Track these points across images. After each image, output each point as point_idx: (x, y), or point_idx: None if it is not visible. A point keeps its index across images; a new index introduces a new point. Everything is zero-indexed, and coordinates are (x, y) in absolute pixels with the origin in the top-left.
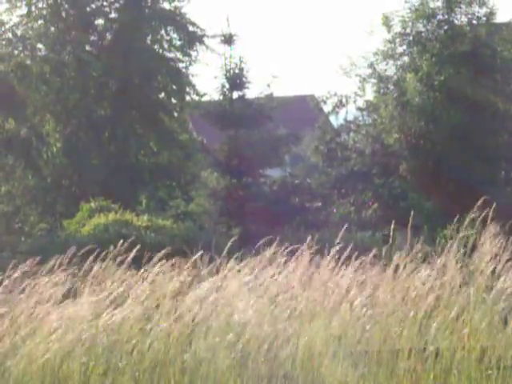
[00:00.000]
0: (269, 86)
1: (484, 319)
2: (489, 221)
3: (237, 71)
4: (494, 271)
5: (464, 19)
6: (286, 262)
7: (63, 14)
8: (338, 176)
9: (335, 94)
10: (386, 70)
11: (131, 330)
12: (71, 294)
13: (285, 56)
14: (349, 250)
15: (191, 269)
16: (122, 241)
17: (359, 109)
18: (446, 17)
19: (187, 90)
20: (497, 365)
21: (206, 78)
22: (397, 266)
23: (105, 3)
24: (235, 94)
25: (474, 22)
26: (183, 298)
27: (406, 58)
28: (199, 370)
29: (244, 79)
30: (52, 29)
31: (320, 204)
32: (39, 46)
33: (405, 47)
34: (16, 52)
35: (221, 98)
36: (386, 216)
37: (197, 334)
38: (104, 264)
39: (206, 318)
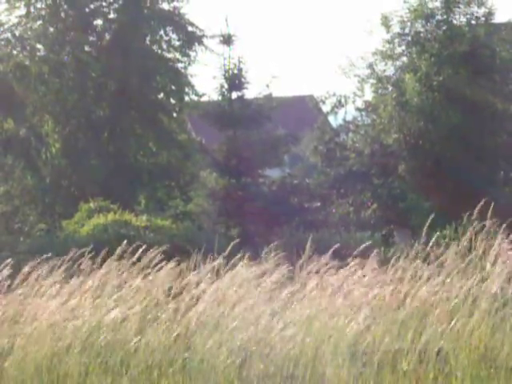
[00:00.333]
0: (268, 86)
1: (486, 318)
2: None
3: (236, 71)
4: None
5: (463, 19)
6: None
7: (62, 15)
8: (337, 176)
9: (334, 95)
10: (384, 70)
11: (130, 329)
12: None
13: (284, 56)
14: (348, 250)
15: (192, 268)
16: (124, 241)
17: (358, 109)
18: (445, 17)
19: (186, 90)
20: (499, 365)
21: (204, 79)
22: (396, 266)
23: (104, 4)
24: (234, 95)
25: (473, 22)
26: (183, 297)
27: (404, 59)
28: (199, 370)
29: (243, 79)
30: (51, 29)
31: (319, 204)
32: (38, 46)
33: (404, 47)
34: (15, 52)
35: (220, 98)
36: (385, 216)
37: (197, 334)
38: (106, 264)
39: (207, 318)
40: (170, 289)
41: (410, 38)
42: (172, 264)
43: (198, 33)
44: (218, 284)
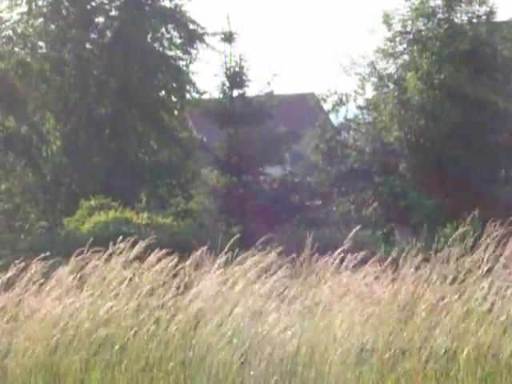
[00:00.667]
0: (269, 84)
1: (489, 318)
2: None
3: (237, 69)
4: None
5: (464, 18)
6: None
7: (63, 12)
8: (338, 174)
9: (335, 93)
10: (386, 68)
11: (128, 325)
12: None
13: (285, 54)
14: (349, 248)
15: (194, 265)
16: (121, 237)
17: (359, 107)
18: (447, 15)
19: (187, 88)
20: (503, 364)
21: (206, 76)
22: (398, 264)
23: (105, 1)
24: (235, 92)
25: (474, 20)
26: (184, 293)
27: (406, 57)
28: (199, 367)
29: (244, 77)
30: (52, 27)
31: (320, 202)
32: (39, 43)
33: (405, 46)
34: (16, 50)
35: (221, 96)
36: (386, 214)
37: (197, 330)
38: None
39: (208, 314)
40: (170, 285)
41: (411, 37)
42: (173, 260)
43: (200, 30)
44: (219, 280)
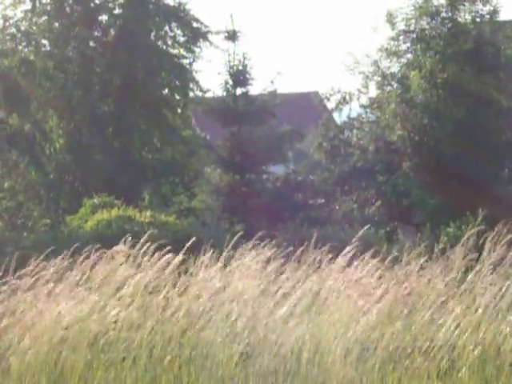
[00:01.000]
0: (272, 82)
1: (494, 316)
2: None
3: (240, 68)
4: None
5: (468, 17)
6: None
7: (67, 10)
8: (341, 173)
9: (339, 91)
10: (389, 67)
11: (133, 324)
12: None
13: (289, 53)
14: (353, 247)
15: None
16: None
17: (363, 106)
18: (450, 14)
19: (191, 86)
20: (505, 360)
21: (209, 75)
22: (401, 263)
23: None
24: (239, 91)
25: (478, 19)
26: (187, 290)
27: (409, 56)
28: (202, 365)
29: (247, 76)
30: (56, 24)
31: (323, 201)
32: (43, 41)
33: (408, 44)
34: (20, 47)
35: (224, 94)
36: (389, 213)
37: (200, 328)
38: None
39: (209, 311)
40: (173, 282)
41: (414, 36)
42: (177, 258)
43: (203, 29)
44: (222, 277)
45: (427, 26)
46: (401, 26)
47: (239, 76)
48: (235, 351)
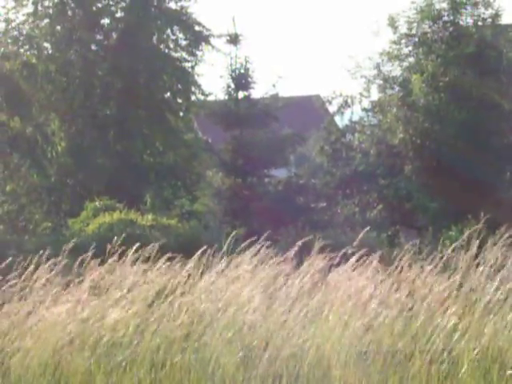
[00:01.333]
0: (274, 86)
1: (494, 320)
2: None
3: (242, 71)
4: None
5: (469, 20)
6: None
7: (69, 13)
8: (343, 176)
9: (341, 95)
10: (391, 70)
11: (133, 327)
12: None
13: (290, 56)
14: (354, 250)
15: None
16: (120, 240)
17: (364, 109)
18: (452, 18)
19: (193, 89)
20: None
21: (211, 78)
22: (403, 267)
23: (111, 2)
24: (240, 94)
25: (480, 23)
26: (188, 294)
27: (411, 59)
28: (204, 369)
29: (249, 79)
30: (58, 28)
31: (325, 204)
32: (45, 44)
33: (410, 48)
34: (22, 51)
35: (226, 97)
36: (391, 217)
37: (202, 332)
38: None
39: (212, 316)
40: (175, 286)
41: (416, 39)
42: (177, 262)
43: (205, 32)
44: (224, 281)
45: (429, 30)
46: (403, 29)
47: (241, 79)
48: (237, 355)
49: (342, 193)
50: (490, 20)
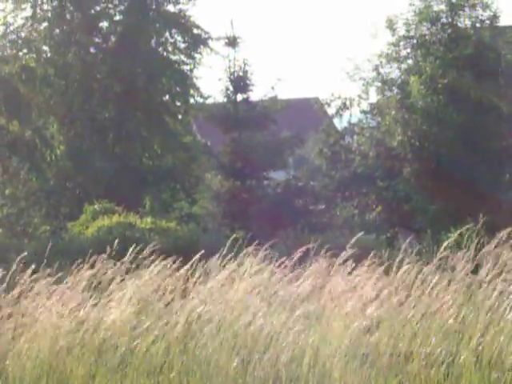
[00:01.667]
0: (273, 88)
1: (496, 322)
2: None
3: (241, 74)
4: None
5: (468, 22)
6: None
7: (68, 17)
8: (342, 179)
9: (339, 97)
10: (389, 72)
11: (131, 330)
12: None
13: (289, 59)
14: (353, 253)
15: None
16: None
17: (363, 112)
18: (450, 20)
19: (191, 92)
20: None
21: (210, 81)
22: (400, 269)
23: (109, 5)
24: (239, 97)
25: (478, 25)
26: (186, 298)
27: (409, 61)
28: (202, 372)
29: (248, 82)
30: (57, 31)
31: (323, 207)
32: (44, 48)
33: (409, 50)
34: (20, 54)
35: (225, 100)
36: (390, 219)
37: (200, 335)
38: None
39: (209, 318)
40: (173, 289)
41: (415, 41)
42: (176, 265)
43: (204, 35)
44: (222, 284)
45: (427, 32)
46: (401, 31)
47: (240, 82)
48: (235, 358)
49: (340, 195)
50: (488, 22)
